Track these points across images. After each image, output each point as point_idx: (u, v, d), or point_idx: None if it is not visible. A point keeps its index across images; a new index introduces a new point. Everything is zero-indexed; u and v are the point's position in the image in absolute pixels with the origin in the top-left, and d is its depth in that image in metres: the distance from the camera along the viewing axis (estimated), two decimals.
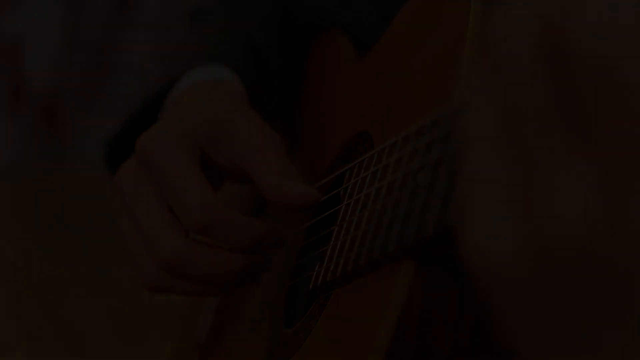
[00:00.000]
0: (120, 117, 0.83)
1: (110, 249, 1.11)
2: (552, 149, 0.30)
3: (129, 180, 0.67)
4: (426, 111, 0.57)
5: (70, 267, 2.00)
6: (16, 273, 2.01)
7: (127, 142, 0.77)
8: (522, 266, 0.30)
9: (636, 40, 0.28)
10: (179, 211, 0.65)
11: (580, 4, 0.29)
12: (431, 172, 0.51)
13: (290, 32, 0.89)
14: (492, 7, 0.56)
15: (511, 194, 0.31)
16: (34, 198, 2.21)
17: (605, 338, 0.30)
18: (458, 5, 0.59)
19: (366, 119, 0.69)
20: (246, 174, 0.67)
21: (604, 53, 0.29)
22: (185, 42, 0.92)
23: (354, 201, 0.62)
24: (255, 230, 0.65)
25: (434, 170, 0.51)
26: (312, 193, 0.66)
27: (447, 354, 0.52)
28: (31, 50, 2.29)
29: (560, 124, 0.30)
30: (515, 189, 0.31)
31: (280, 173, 0.66)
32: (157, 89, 0.81)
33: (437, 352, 0.52)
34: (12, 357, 1.78)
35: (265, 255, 0.68)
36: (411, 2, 0.67)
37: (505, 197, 0.31)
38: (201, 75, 0.78)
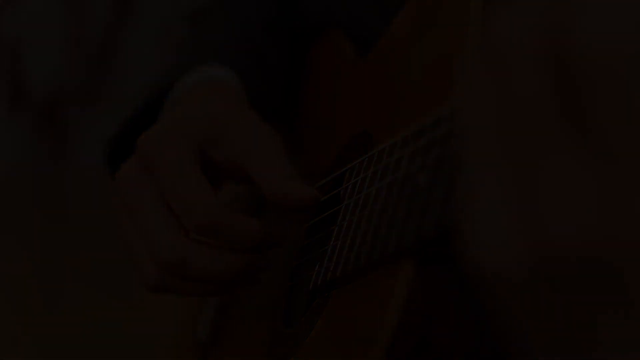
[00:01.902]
0: (121, 117, 0.83)
1: (111, 248, 1.11)
2: (554, 152, 0.30)
3: (130, 180, 0.67)
4: (426, 111, 0.57)
5: (70, 267, 2.00)
6: (17, 273, 2.01)
7: (127, 142, 0.77)
8: (522, 269, 0.30)
9: (637, 44, 0.28)
10: (179, 211, 0.65)
11: (582, 8, 0.29)
12: (431, 173, 0.51)
13: (290, 32, 0.89)
14: (493, 7, 0.56)
15: (511, 197, 0.31)
16: (33, 198, 2.21)
17: (606, 338, 0.30)
18: (458, 5, 0.59)
19: (366, 119, 0.69)
20: (246, 174, 0.67)
21: (606, 56, 0.29)
22: (186, 43, 0.92)
23: (354, 201, 0.62)
24: (255, 231, 0.65)
25: (434, 171, 0.51)
26: (312, 193, 0.66)
27: (447, 354, 0.52)
28: (31, 50, 2.29)
29: (562, 127, 0.30)
30: (516, 191, 0.31)
31: (281, 173, 0.66)
32: (157, 89, 0.81)
33: (437, 352, 0.52)
34: (15, 356, 1.78)
35: (265, 255, 0.68)
36: (411, 2, 0.67)
37: (505, 199, 0.31)
38: (201, 75, 0.78)
